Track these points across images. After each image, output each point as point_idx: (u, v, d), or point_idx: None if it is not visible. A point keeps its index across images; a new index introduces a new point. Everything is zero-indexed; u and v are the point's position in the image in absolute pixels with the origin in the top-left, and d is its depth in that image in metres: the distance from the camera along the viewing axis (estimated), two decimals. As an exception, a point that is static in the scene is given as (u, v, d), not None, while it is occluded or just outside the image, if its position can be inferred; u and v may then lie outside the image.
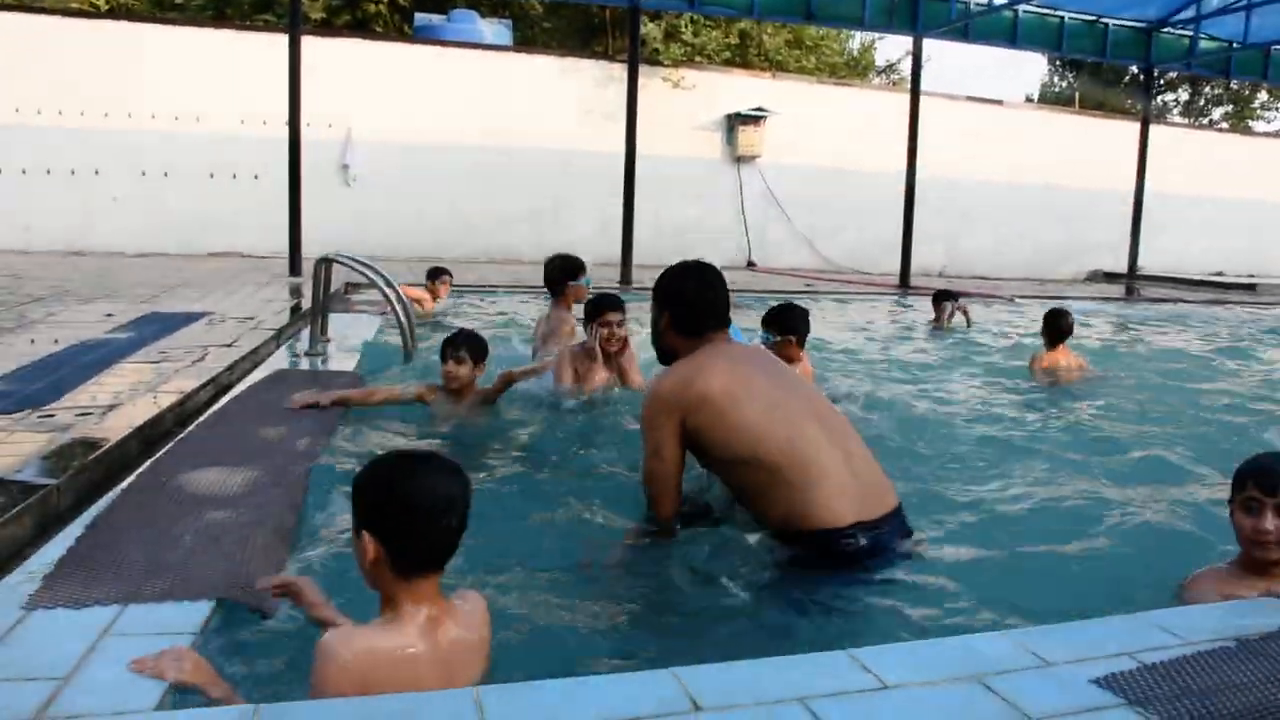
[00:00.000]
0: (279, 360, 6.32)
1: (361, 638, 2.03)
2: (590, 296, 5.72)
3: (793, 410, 3.23)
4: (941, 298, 10.69)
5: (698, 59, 19.34)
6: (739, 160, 18.79)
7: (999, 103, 21.61)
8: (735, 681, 1.97)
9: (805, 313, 5.44)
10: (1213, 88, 33.34)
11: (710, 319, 3.44)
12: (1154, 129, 18.41)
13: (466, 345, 4.96)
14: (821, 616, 2.85)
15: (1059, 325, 7.18)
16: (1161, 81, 31.70)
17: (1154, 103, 24.69)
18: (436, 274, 9.99)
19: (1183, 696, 1.93)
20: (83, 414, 4.28)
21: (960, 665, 2.06)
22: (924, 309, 11.83)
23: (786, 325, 5.28)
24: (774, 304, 5.73)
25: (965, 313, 10.53)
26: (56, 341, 6.22)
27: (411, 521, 2.05)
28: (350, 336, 7.38)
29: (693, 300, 3.45)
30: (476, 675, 2.11)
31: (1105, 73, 32.31)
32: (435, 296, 9.76)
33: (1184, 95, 34.49)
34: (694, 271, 3.51)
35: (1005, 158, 20.46)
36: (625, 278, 13.82)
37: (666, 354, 3.53)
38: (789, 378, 3.48)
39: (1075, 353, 7.37)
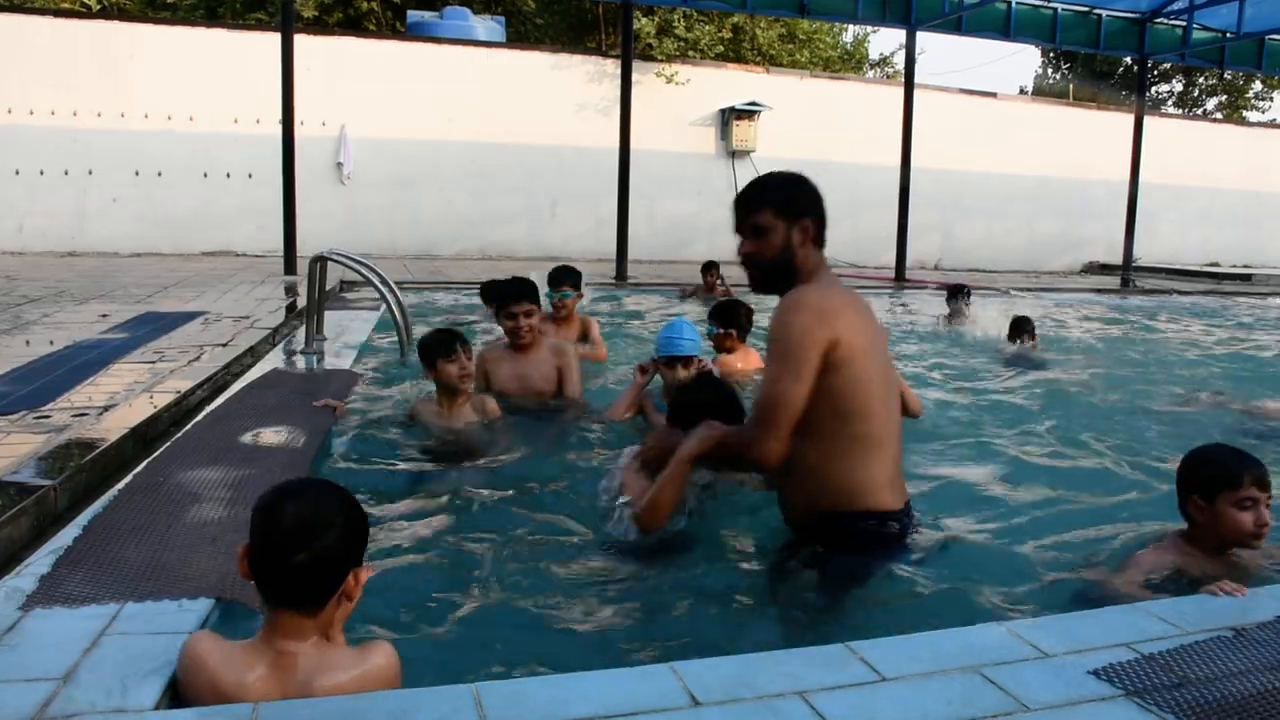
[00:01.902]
0: (275, 359, 6.31)
1: (208, 644, 2.04)
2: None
3: (891, 376, 3.06)
4: (956, 294, 10.66)
5: (691, 54, 19.32)
6: (733, 155, 18.78)
7: (993, 95, 21.60)
8: (733, 675, 1.97)
9: (750, 310, 6.03)
10: (1207, 78, 33.34)
11: None
12: (1148, 120, 18.42)
13: (461, 338, 4.57)
14: (818, 610, 2.85)
15: (1021, 330, 8.23)
16: (1155, 73, 31.73)
17: (1148, 94, 24.71)
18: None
19: (1181, 686, 1.93)
20: (79, 415, 4.28)
21: (958, 657, 2.07)
22: (922, 302, 11.87)
23: (729, 319, 5.80)
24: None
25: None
26: (52, 343, 6.20)
27: (260, 553, 1.99)
28: (346, 334, 7.37)
29: (821, 202, 3.07)
30: None
31: (1099, 64, 32.35)
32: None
33: (1178, 86, 34.49)
34: (795, 175, 3.11)
35: (1000, 150, 20.49)
36: (620, 273, 13.81)
37: (785, 277, 3.03)
38: (882, 336, 3.13)
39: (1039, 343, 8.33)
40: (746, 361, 5.83)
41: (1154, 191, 19.18)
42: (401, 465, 4.21)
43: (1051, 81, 35.12)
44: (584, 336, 6.69)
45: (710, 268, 11.59)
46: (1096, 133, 21.16)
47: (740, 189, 3.13)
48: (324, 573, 1.98)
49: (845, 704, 1.86)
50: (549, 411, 5.04)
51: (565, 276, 6.64)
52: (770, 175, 3.13)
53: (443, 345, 4.48)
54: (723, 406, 3.42)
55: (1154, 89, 32.60)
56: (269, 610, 2.02)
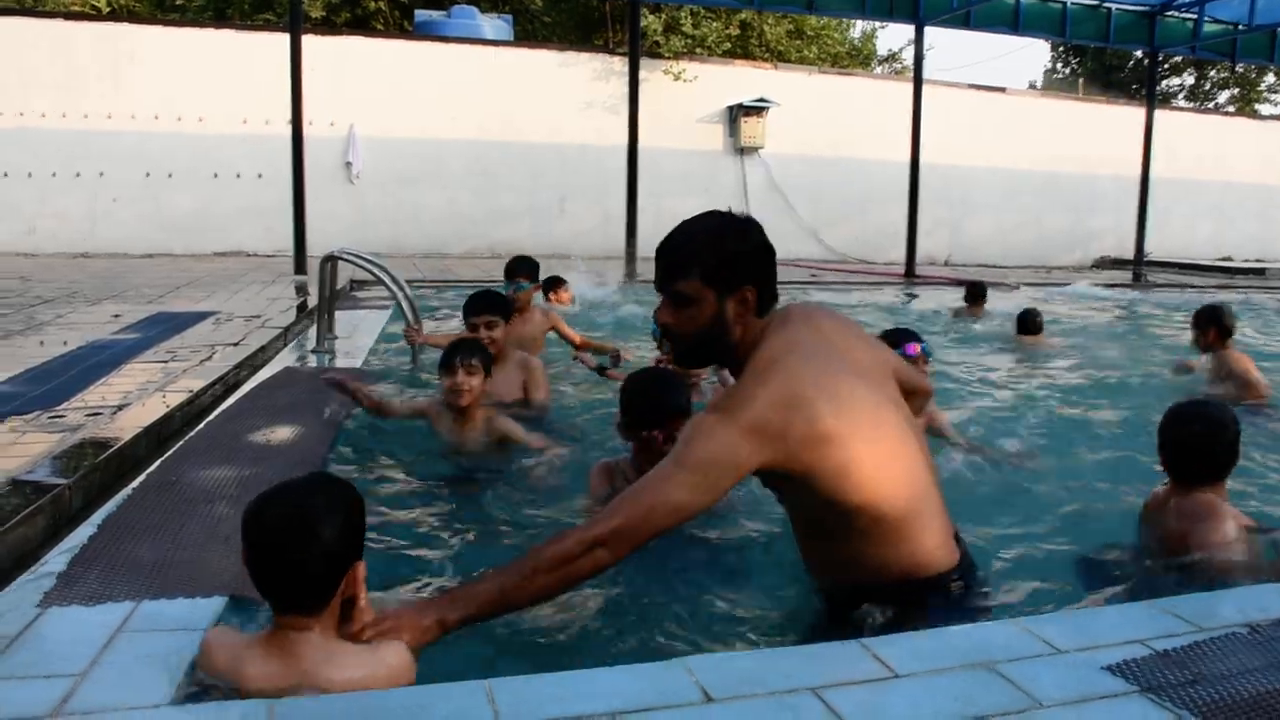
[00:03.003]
0: (287, 358, 6.34)
1: (221, 637, 2.09)
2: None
3: (908, 437, 2.47)
4: (977, 291, 10.64)
5: (698, 51, 19.31)
6: (742, 151, 18.76)
7: (1002, 90, 21.55)
8: (746, 672, 1.98)
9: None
10: (1218, 71, 33.18)
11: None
12: (1159, 114, 18.35)
13: (480, 352, 4.24)
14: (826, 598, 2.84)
15: (1027, 323, 8.37)
16: (1166, 66, 31.57)
17: (1159, 87, 24.61)
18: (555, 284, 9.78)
19: (1196, 683, 1.93)
20: (92, 414, 4.30)
21: (971, 653, 2.06)
22: (931, 297, 11.85)
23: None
24: None
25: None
26: (66, 343, 6.24)
27: (251, 560, 2.00)
28: (357, 333, 7.39)
29: (769, 262, 2.47)
30: None
31: (1109, 58, 32.22)
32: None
33: (1189, 80, 34.34)
34: (738, 223, 2.46)
35: (1009, 145, 20.43)
36: (630, 272, 13.81)
37: (716, 353, 2.52)
38: (878, 375, 2.55)
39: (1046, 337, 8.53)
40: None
41: (1165, 185, 19.12)
42: (407, 466, 4.19)
43: (1061, 76, 34.99)
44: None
45: None
46: (1106, 127, 21.08)
47: (667, 235, 2.49)
48: (316, 575, 1.96)
49: (857, 700, 1.86)
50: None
51: (519, 267, 6.30)
52: (704, 223, 2.46)
53: (443, 358, 4.21)
54: (665, 404, 3.28)
55: (1165, 82, 32.43)
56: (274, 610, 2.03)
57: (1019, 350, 8.26)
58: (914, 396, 2.76)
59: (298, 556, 1.94)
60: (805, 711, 1.81)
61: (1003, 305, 10.27)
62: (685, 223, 2.47)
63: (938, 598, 2.43)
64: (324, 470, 2.15)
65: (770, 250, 2.45)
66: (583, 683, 1.93)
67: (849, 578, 2.47)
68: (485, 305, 4.99)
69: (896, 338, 4.25)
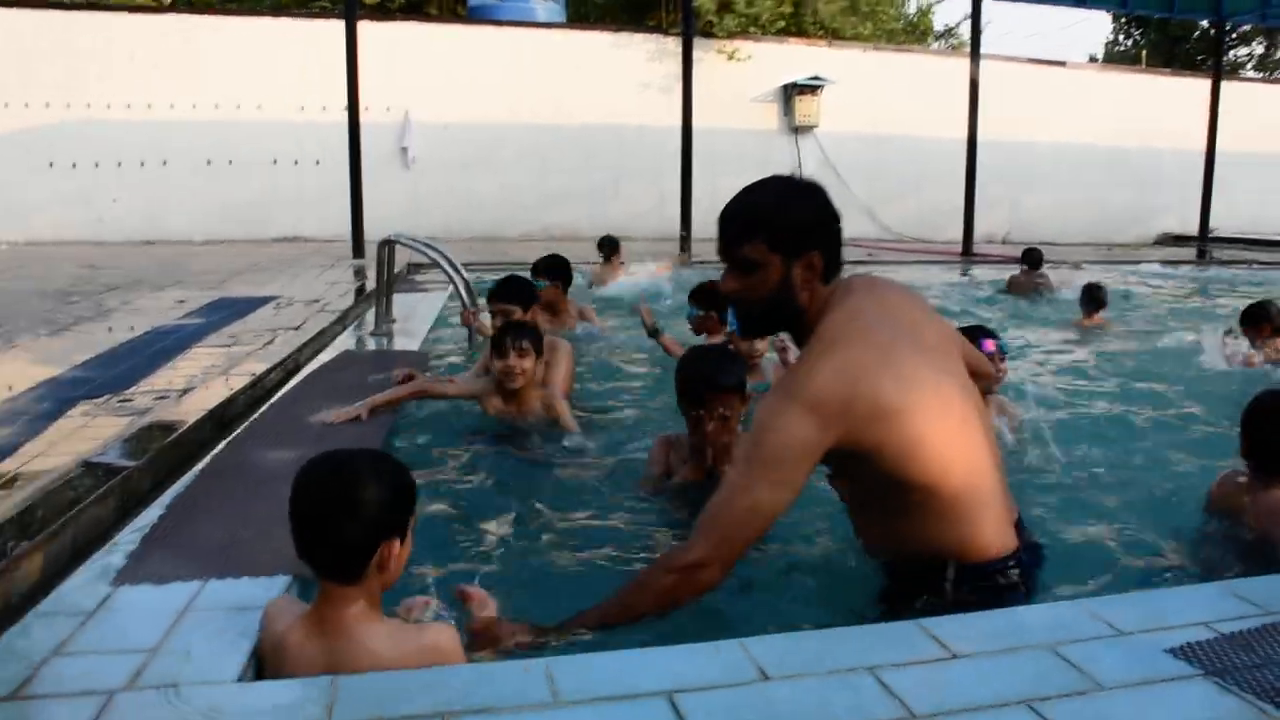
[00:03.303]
0: (346, 341, 6.42)
1: (279, 604, 2.20)
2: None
3: (972, 417, 2.41)
4: (1034, 257, 10.61)
5: (752, 30, 19.15)
6: (796, 130, 18.60)
7: (1061, 64, 21.10)
8: (803, 651, 1.98)
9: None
10: (1289, 40, 32.23)
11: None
12: (1226, 85, 17.86)
13: (531, 335, 4.23)
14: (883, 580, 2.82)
15: (1094, 297, 8.21)
16: (1234, 35, 30.69)
17: (1226, 58, 23.95)
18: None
19: (1263, 667, 1.89)
20: (160, 398, 4.40)
21: (1031, 634, 2.05)
22: (989, 276, 11.70)
23: (709, 302, 5.59)
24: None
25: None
26: (133, 328, 6.38)
27: (292, 523, 2.04)
28: (415, 316, 7.47)
29: (835, 227, 2.40)
30: None
31: (1173, 28, 31.40)
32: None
33: (1259, 49, 33.37)
34: (803, 187, 2.40)
35: (1069, 120, 20.01)
36: (684, 251, 13.78)
37: (782, 322, 2.45)
38: (944, 352, 2.49)
39: (1107, 318, 8.38)
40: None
41: (1232, 159, 18.61)
42: (464, 450, 4.18)
43: (1123, 49, 34.20)
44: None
45: None
46: (1170, 100, 20.57)
47: (730, 201, 2.42)
48: (348, 543, 1.99)
49: (915, 680, 1.85)
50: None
51: (538, 266, 6.57)
52: (767, 187, 2.40)
53: (495, 340, 4.23)
54: (703, 381, 3.24)
55: (1232, 53, 31.54)
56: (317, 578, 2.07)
57: (1080, 330, 8.14)
58: (978, 379, 2.70)
59: (331, 522, 1.98)
60: (862, 691, 1.81)
61: (1064, 291, 10.11)
62: (748, 188, 2.41)
63: (992, 582, 2.37)
64: (380, 449, 2.18)
65: (835, 216, 2.39)
66: (639, 661, 1.95)
67: (909, 556, 2.42)
68: (504, 294, 4.99)
69: (972, 335, 4.15)
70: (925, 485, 2.28)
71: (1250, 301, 6.66)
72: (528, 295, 5.18)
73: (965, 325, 4.14)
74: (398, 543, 2.04)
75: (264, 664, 2.11)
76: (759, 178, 2.44)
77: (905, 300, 2.52)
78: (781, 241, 2.32)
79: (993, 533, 2.38)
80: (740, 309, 2.46)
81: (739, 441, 3.40)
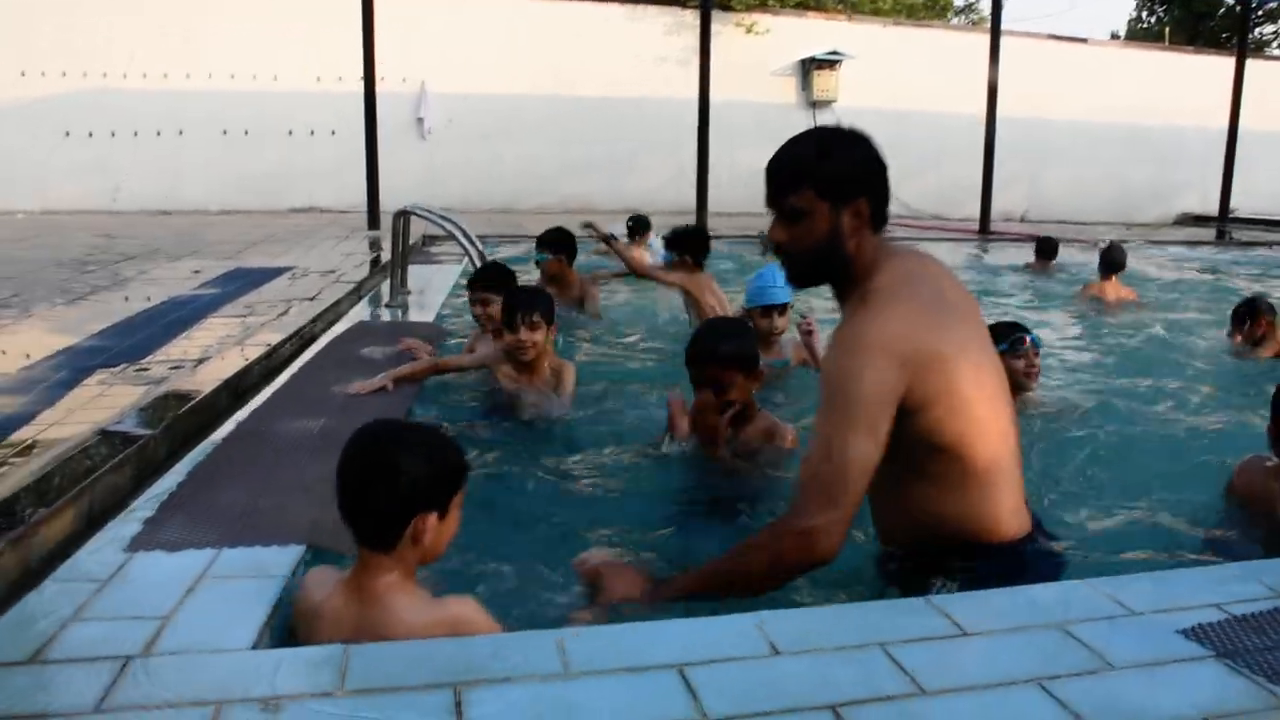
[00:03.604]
0: (360, 313, 6.44)
1: (316, 572, 2.25)
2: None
3: (1000, 392, 2.41)
4: (1046, 246, 10.57)
5: (771, 3, 19.01)
6: (814, 105, 18.49)
7: (1083, 41, 20.90)
8: (814, 626, 1.99)
9: (705, 236, 6.43)
10: (1315, 18, 31.74)
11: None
12: (1250, 63, 17.63)
13: (541, 306, 4.16)
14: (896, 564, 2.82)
15: (1112, 258, 8.04)
16: (1260, 13, 30.26)
17: (1251, 35, 23.66)
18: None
19: (1274, 649, 1.89)
20: (175, 367, 4.42)
21: (1042, 613, 2.05)
22: (1006, 254, 11.64)
23: (683, 245, 6.18)
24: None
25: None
26: (149, 298, 6.41)
27: (336, 486, 2.08)
28: (430, 288, 7.47)
29: (882, 175, 2.40)
30: None
31: (1198, 5, 31.00)
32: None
33: (1284, 27, 32.90)
34: (849, 134, 2.40)
35: (1090, 98, 19.81)
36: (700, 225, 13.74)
37: (832, 271, 2.40)
38: (980, 329, 2.51)
39: (1126, 285, 8.25)
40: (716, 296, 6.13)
41: (1255, 138, 18.39)
42: (478, 421, 4.20)
43: (1146, 25, 33.82)
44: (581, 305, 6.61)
45: None
46: (1193, 78, 20.36)
47: (776, 151, 2.41)
48: (381, 510, 2.02)
49: (926, 656, 1.85)
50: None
51: (542, 238, 6.52)
52: (812, 136, 2.40)
53: (504, 315, 4.17)
54: (747, 359, 3.24)
55: (1258, 30, 31.12)
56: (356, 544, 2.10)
57: (1096, 306, 8.10)
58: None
59: (367, 488, 2.02)
60: (873, 666, 1.81)
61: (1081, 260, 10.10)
62: (794, 138, 2.41)
63: (1006, 565, 2.36)
64: (436, 426, 2.22)
65: (883, 163, 2.38)
66: (651, 634, 1.96)
67: (923, 532, 2.40)
68: (483, 281, 4.88)
69: (1004, 330, 4.07)
70: (959, 450, 2.28)
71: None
72: (508, 282, 5.03)
73: (996, 322, 4.04)
74: (434, 517, 2.05)
75: (297, 630, 2.15)
76: (775, 150, 2.43)
77: (943, 272, 2.52)
78: (828, 189, 2.31)
79: (1011, 511, 2.38)
80: (789, 259, 2.44)
81: (759, 419, 3.41)
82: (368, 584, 2.05)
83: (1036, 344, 4.24)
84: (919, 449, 2.28)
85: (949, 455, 2.29)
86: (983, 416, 2.30)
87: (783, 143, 2.40)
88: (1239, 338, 6.10)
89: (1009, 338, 4.06)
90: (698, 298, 6.07)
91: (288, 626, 2.18)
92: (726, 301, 6.18)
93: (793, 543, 2.19)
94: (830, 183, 2.31)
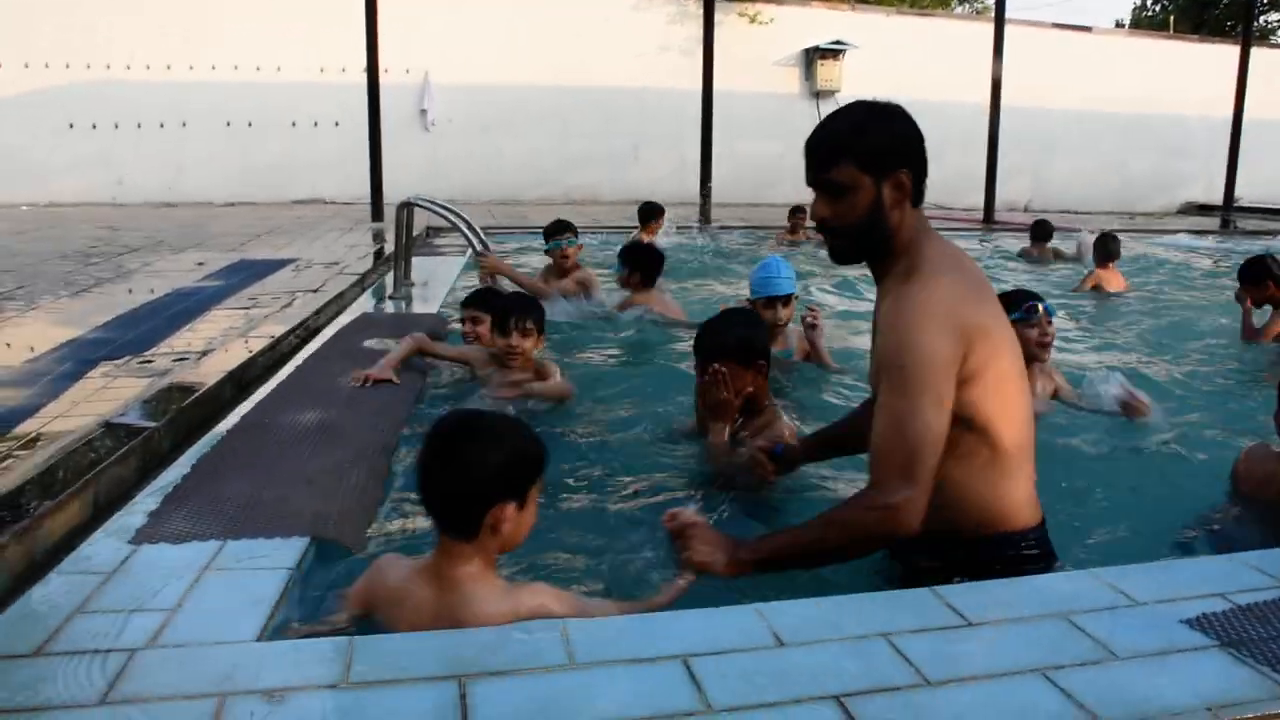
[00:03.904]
0: (364, 304, 6.44)
1: (389, 559, 2.27)
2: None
3: (1023, 367, 2.45)
4: (1040, 230, 10.70)
5: (775, -8, 18.96)
6: (818, 95, 18.43)
7: (1088, 29, 20.81)
8: (819, 617, 1.99)
9: (657, 254, 6.47)
10: (1321, 6, 31.61)
11: None
12: (1255, 51, 17.56)
13: (535, 314, 4.19)
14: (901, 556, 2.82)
15: (1107, 247, 8.27)
16: (1265, 1, 30.15)
17: (1255, 23, 23.54)
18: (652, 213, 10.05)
19: (1278, 639, 1.89)
20: (179, 359, 4.43)
21: (1046, 603, 2.05)
22: (1010, 243, 11.63)
23: (635, 262, 6.24)
24: None
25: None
26: (153, 290, 6.41)
27: (417, 474, 2.12)
28: (434, 280, 7.47)
29: (921, 147, 2.39)
30: None
31: (1203, -7, 30.89)
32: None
33: (1289, 15, 32.77)
34: (886, 107, 2.40)
35: (1094, 86, 19.74)
36: (704, 216, 13.72)
37: (876, 246, 2.40)
38: (995, 296, 2.52)
39: (1123, 275, 8.47)
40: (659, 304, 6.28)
41: (1259, 127, 18.33)
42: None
43: (1151, 14, 33.70)
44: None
45: (796, 211, 11.55)
46: (1197, 67, 20.28)
47: (814, 129, 2.42)
48: (456, 500, 2.06)
49: (930, 647, 1.85)
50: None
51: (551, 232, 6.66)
52: (851, 111, 2.40)
53: (499, 316, 4.19)
54: (743, 349, 3.25)
55: (1262, 18, 31.00)
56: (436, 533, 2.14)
57: (1097, 296, 8.17)
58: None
59: (444, 477, 2.06)
60: (877, 657, 1.82)
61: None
62: (830, 115, 2.42)
63: (1019, 554, 2.37)
64: (516, 417, 2.25)
65: (920, 135, 2.38)
66: (656, 625, 1.96)
67: (944, 519, 2.30)
68: (477, 302, 4.85)
69: (1015, 299, 4.01)
70: (991, 429, 2.29)
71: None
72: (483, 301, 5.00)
73: (1005, 290, 3.97)
74: (513, 507, 2.07)
75: (372, 612, 2.17)
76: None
77: (974, 263, 2.53)
78: (870, 161, 2.31)
79: (1026, 497, 2.40)
80: (832, 234, 2.44)
81: (765, 413, 3.39)
82: (448, 571, 2.08)
83: (1050, 312, 4.12)
84: (953, 426, 2.25)
85: (980, 434, 2.29)
86: (1013, 397, 2.33)
87: (818, 123, 2.41)
88: (1250, 301, 6.07)
89: (1021, 305, 3.97)
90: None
91: (354, 613, 2.19)
92: (681, 312, 6.29)
93: (874, 518, 2.20)
94: (871, 155, 2.31)
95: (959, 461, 2.30)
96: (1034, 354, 3.93)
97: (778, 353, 4.53)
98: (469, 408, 2.16)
